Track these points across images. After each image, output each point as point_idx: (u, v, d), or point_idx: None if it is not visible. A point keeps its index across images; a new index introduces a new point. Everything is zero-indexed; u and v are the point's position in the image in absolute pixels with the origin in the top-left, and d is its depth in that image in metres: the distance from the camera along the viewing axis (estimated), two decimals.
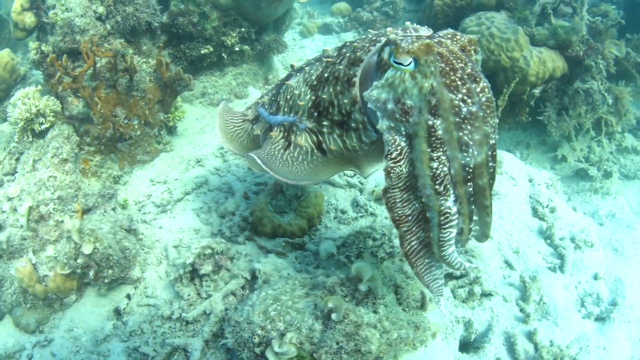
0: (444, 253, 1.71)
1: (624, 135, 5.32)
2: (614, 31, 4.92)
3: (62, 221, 2.94)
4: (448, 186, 1.65)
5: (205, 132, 3.99)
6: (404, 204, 1.73)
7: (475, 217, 1.76)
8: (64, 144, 3.15)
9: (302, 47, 6.24)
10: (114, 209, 3.18)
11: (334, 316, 1.91)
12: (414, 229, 1.75)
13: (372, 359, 1.93)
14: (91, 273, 2.71)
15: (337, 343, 1.88)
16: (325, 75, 1.98)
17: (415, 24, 1.96)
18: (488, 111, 1.66)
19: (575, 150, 5.00)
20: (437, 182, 1.64)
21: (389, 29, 1.94)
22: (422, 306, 2.31)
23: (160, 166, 3.62)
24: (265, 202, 2.96)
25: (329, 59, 2.02)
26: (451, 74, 1.62)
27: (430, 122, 1.62)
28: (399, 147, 1.69)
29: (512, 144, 5.07)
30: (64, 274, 2.74)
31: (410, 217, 1.74)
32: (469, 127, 1.61)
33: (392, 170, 1.69)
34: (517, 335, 2.71)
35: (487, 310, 2.81)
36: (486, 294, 2.86)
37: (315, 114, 1.99)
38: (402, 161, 1.70)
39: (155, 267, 2.94)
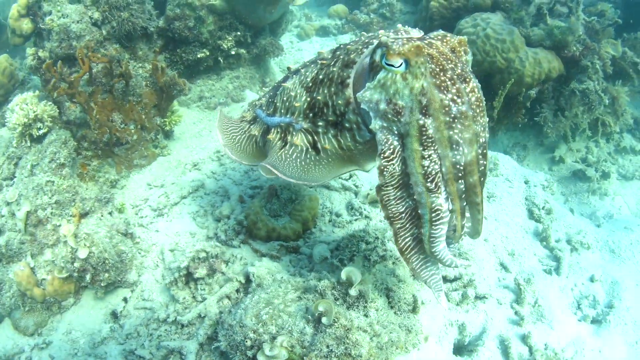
0: (434, 249, 1.76)
1: (623, 136, 5.31)
2: (611, 31, 4.90)
3: (59, 225, 2.97)
4: (439, 184, 1.70)
5: (202, 136, 4.01)
6: (398, 201, 1.78)
7: (467, 214, 1.79)
8: (61, 148, 3.18)
9: (299, 50, 6.26)
10: (110, 213, 3.20)
11: (324, 320, 1.93)
12: (407, 225, 1.80)
13: None
14: (88, 277, 2.74)
15: (328, 346, 1.90)
16: (320, 77, 2.04)
17: (406, 26, 2.00)
18: (478, 110, 1.71)
19: (572, 151, 4.99)
20: (428, 180, 1.69)
21: (380, 31, 1.99)
22: (414, 309, 2.32)
23: (157, 170, 3.65)
24: (260, 205, 2.98)
25: (324, 61, 2.08)
26: (441, 74, 1.67)
27: (421, 122, 1.67)
28: (391, 146, 1.74)
29: (509, 146, 5.06)
30: (62, 277, 2.77)
31: (403, 214, 1.79)
32: (459, 126, 1.66)
33: (385, 169, 1.75)
34: (511, 338, 2.71)
35: (481, 313, 2.81)
36: (480, 297, 2.86)
37: (311, 114, 2.04)
38: (395, 160, 1.75)
39: (151, 271, 2.97)
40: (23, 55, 4.10)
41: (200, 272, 2.62)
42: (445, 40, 1.76)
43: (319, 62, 2.11)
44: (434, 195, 1.69)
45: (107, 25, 3.59)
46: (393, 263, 2.44)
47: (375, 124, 1.76)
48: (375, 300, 2.10)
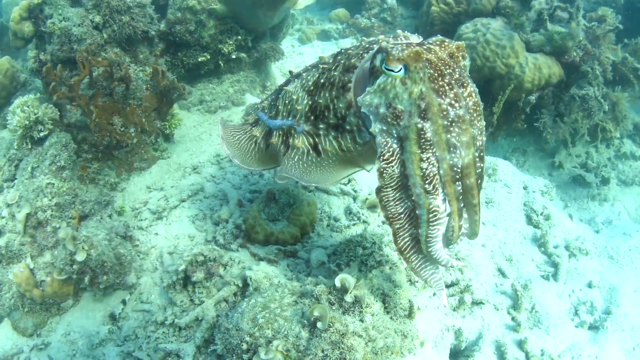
0: (430, 249, 1.79)
1: (623, 141, 5.30)
2: (612, 36, 4.91)
3: (59, 228, 2.99)
4: (437, 185, 1.73)
5: (202, 140, 4.03)
6: (397, 202, 1.82)
7: (465, 216, 1.83)
8: (61, 151, 3.20)
9: (300, 54, 6.28)
10: (110, 216, 3.22)
11: (319, 325, 1.94)
12: (406, 225, 1.84)
13: None
14: (87, 279, 2.76)
15: (323, 351, 1.91)
16: (322, 81, 2.08)
17: (406, 32, 2.04)
18: (475, 114, 1.74)
19: (572, 156, 5.00)
20: (426, 182, 1.72)
21: (381, 36, 2.04)
22: (410, 315, 2.32)
23: (157, 173, 3.67)
24: (258, 210, 2.99)
25: (325, 66, 2.13)
26: (439, 79, 1.71)
27: (419, 125, 1.70)
28: (391, 149, 1.78)
29: (509, 151, 5.06)
30: (61, 279, 2.79)
31: (402, 215, 1.83)
32: (456, 130, 1.70)
33: (385, 171, 1.79)
34: (508, 344, 2.72)
35: (477, 319, 2.82)
36: (477, 302, 2.86)
37: (312, 117, 2.09)
38: (394, 162, 1.79)
39: (150, 273, 2.98)
40: (25, 57, 4.14)
41: (198, 275, 2.63)
42: (443, 46, 1.79)
43: (321, 66, 2.16)
44: (431, 196, 1.72)
45: (108, 29, 3.62)
46: (390, 268, 2.45)
47: (375, 127, 1.80)
48: (371, 305, 2.10)
